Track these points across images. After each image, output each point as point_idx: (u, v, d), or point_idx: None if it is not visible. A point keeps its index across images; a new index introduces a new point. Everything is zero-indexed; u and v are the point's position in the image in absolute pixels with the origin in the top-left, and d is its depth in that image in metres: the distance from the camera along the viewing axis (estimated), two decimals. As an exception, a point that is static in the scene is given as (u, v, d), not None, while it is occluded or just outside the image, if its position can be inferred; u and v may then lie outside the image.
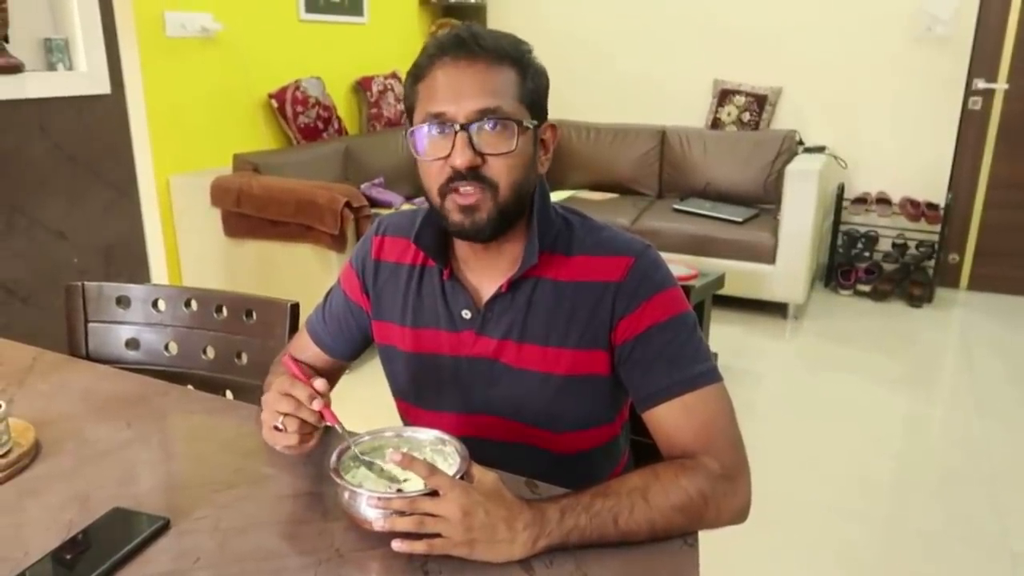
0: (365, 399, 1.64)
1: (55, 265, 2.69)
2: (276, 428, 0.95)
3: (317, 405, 0.92)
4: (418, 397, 1.10)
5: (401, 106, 4.29)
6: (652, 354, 0.97)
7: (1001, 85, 3.92)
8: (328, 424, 0.94)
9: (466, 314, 1.03)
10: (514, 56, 0.94)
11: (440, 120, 0.92)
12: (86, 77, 2.72)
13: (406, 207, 3.54)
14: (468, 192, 0.93)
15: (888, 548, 2.08)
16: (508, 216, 0.96)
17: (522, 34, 0.99)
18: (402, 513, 0.80)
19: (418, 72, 0.95)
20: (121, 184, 2.92)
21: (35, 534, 0.86)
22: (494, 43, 0.93)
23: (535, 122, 0.97)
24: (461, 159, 0.91)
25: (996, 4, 3.85)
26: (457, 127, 0.91)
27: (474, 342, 1.03)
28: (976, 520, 2.20)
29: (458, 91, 0.91)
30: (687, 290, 2.71)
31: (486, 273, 1.03)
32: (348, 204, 2.88)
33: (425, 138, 0.94)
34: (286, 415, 0.93)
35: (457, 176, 0.93)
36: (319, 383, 0.93)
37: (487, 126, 0.91)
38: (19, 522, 0.89)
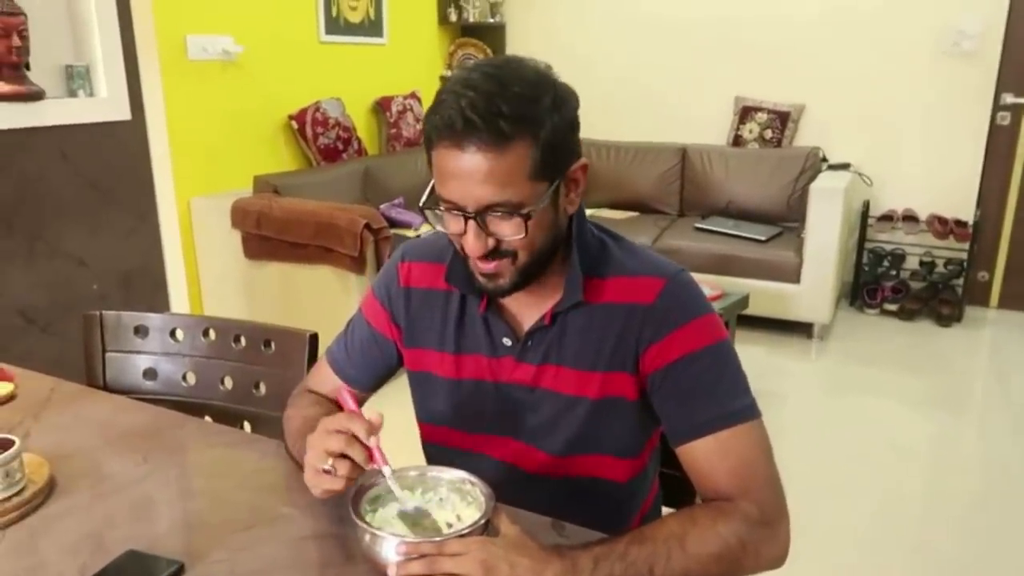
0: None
1: (75, 292, 2.69)
2: (325, 471, 0.87)
3: (374, 442, 0.86)
4: (460, 423, 1.07)
5: (420, 126, 4.30)
6: (685, 386, 0.94)
7: (1030, 99, 3.85)
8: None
9: (507, 341, 1.01)
10: (521, 124, 0.83)
11: (450, 206, 0.89)
12: (107, 103, 2.73)
13: (425, 228, 3.52)
14: (488, 264, 0.92)
15: (925, 579, 2.02)
16: (532, 274, 0.94)
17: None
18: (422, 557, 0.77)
19: (427, 133, 0.89)
20: (141, 209, 2.92)
21: (47, 579, 0.84)
22: (491, 121, 0.82)
23: (553, 187, 0.89)
24: (473, 249, 0.89)
25: None
26: (468, 213, 0.88)
27: (513, 368, 1.01)
28: (1010, 547, 2.13)
29: (462, 182, 0.86)
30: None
31: (526, 303, 1.01)
32: (368, 226, 2.87)
33: (441, 216, 0.92)
34: (338, 456, 0.86)
35: None
36: (375, 416, 0.88)
37: (496, 214, 0.88)
38: (31, 564, 0.87)
